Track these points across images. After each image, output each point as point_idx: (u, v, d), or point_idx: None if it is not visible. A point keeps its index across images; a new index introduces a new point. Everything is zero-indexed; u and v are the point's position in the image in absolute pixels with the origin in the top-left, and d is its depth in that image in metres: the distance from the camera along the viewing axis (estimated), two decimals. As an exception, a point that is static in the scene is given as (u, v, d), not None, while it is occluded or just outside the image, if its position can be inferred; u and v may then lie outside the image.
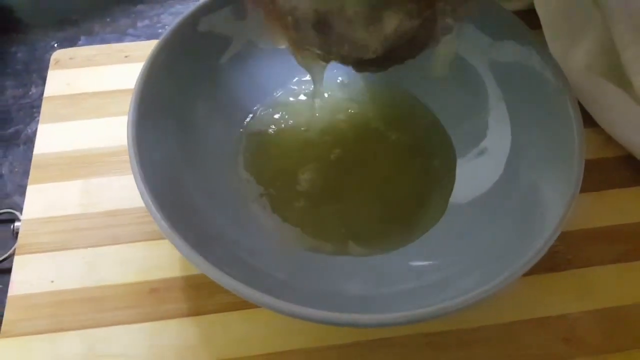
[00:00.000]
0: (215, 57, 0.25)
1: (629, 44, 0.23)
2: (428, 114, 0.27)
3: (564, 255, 0.25)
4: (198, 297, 0.23)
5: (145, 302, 0.23)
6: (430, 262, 0.22)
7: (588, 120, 0.28)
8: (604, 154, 0.28)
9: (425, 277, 0.20)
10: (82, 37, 0.35)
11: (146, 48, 0.32)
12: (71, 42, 0.35)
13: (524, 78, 0.24)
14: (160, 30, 0.35)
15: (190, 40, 0.24)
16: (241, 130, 0.26)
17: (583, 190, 0.22)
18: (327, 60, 0.21)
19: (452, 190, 0.24)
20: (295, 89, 0.28)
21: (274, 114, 0.27)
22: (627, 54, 0.24)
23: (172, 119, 0.24)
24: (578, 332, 0.23)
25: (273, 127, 0.26)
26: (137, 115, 0.21)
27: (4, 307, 0.23)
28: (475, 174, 0.24)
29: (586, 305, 0.23)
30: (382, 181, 0.25)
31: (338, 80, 0.28)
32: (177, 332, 0.22)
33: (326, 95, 0.27)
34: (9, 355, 0.21)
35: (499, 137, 0.25)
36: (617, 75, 0.26)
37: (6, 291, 0.24)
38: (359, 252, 0.22)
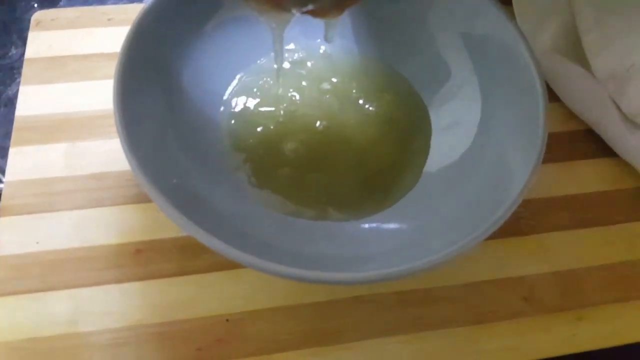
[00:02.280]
0: (202, 22, 0.26)
1: (591, 29, 0.25)
2: (408, 87, 0.28)
3: (527, 221, 0.27)
4: (182, 259, 0.24)
5: (131, 262, 0.24)
6: (403, 226, 0.23)
7: (553, 96, 0.30)
8: (568, 128, 0.30)
9: (397, 239, 0.22)
10: (63, -1, 0.34)
11: (130, 12, 0.32)
12: (52, 3, 0.34)
13: (497, 52, 0.25)
14: (142, -5, 0.35)
15: (178, 3, 0.24)
16: (224, 97, 0.27)
17: (548, 161, 0.23)
18: (287, 8, 0.21)
19: (426, 159, 0.26)
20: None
21: (258, 81, 0.27)
22: (587, 38, 0.26)
23: (157, 85, 0.24)
24: (536, 292, 0.25)
25: (257, 94, 0.27)
26: (122, 79, 0.22)
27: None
28: (447, 144, 0.25)
29: (544, 268, 0.25)
30: (362, 151, 0.26)
31: (321, 51, 0.29)
32: (162, 291, 0.23)
33: (288, 65, 0.27)
34: (0, 313, 0.22)
35: (470, 110, 0.26)
36: (579, 56, 0.27)
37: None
38: (338, 217, 0.24)
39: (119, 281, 0.23)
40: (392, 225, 0.23)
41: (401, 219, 0.23)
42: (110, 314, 0.23)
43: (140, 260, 0.24)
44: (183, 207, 0.19)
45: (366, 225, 0.24)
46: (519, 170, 0.22)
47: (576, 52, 0.27)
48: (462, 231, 0.20)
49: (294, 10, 0.20)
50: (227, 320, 0.23)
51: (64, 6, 0.34)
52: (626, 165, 0.28)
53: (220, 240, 0.18)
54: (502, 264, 0.25)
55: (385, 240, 0.22)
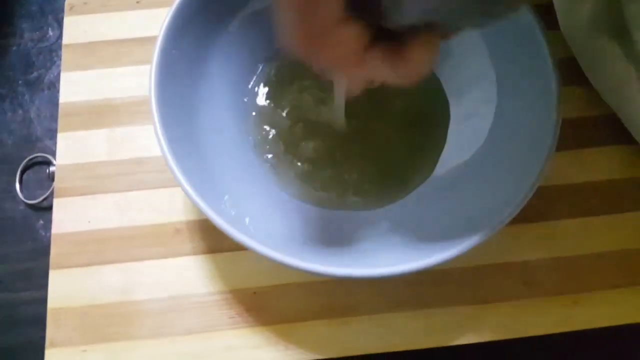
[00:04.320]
0: (229, 15, 0.27)
1: None
2: (431, 78, 0.28)
3: (537, 208, 0.28)
4: (215, 238, 0.27)
5: (171, 241, 0.27)
6: (418, 217, 0.25)
7: (577, 77, 0.30)
8: (588, 112, 0.30)
9: (413, 232, 0.24)
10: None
11: (156, -7, 0.33)
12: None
13: (512, 37, 0.25)
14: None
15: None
16: (249, 86, 0.28)
17: (563, 148, 0.24)
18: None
19: (442, 149, 0.27)
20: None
21: (285, 71, 0.28)
22: (631, 9, 0.25)
23: (190, 76, 0.26)
24: (537, 276, 0.27)
25: (282, 84, 0.28)
26: (158, 76, 0.23)
27: (47, 241, 0.28)
28: (464, 135, 0.27)
29: (547, 253, 0.27)
30: (382, 142, 0.27)
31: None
32: (199, 266, 0.27)
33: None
34: (62, 284, 0.26)
35: (486, 100, 0.27)
36: (615, 34, 0.27)
37: (49, 227, 0.28)
38: (356, 206, 0.26)
39: (162, 257, 0.27)
40: (408, 216, 0.25)
41: (417, 209, 0.25)
42: (157, 285, 0.26)
43: (179, 239, 0.27)
44: (212, 202, 0.21)
45: (386, 214, 0.26)
46: (533, 165, 0.23)
47: (614, 29, 0.26)
48: (477, 222, 0.22)
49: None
50: (255, 293, 0.26)
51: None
52: (639, 153, 0.29)
53: (247, 236, 0.20)
54: (507, 249, 0.27)
55: (404, 233, 0.24)
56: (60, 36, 0.33)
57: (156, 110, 0.23)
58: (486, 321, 0.26)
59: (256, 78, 0.28)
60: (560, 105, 0.24)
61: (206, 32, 0.26)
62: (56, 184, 0.28)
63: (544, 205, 0.28)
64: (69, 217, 0.27)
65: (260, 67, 0.29)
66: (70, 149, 0.29)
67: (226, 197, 0.23)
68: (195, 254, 0.27)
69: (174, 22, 0.24)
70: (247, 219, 0.23)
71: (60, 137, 0.29)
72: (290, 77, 0.28)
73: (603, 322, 0.26)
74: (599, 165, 0.29)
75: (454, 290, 0.26)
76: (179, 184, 0.22)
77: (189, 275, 0.26)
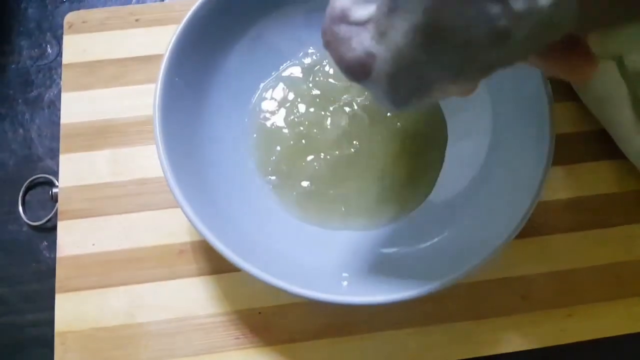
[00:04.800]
0: (232, 37, 0.27)
1: None
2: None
3: (531, 223, 0.28)
4: (219, 258, 0.27)
5: (176, 262, 0.27)
6: (417, 238, 0.26)
7: (569, 93, 0.31)
8: (580, 128, 0.31)
9: (416, 253, 0.24)
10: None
11: (154, 12, 0.33)
12: (79, -3, 0.35)
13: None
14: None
15: (218, 16, 0.26)
16: (250, 106, 0.29)
17: (555, 163, 0.25)
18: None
19: (440, 169, 0.28)
20: (303, 62, 0.29)
21: (282, 91, 0.29)
22: (622, 33, 0.25)
23: (192, 98, 0.26)
24: (533, 290, 0.28)
25: (283, 104, 0.29)
26: (161, 103, 0.24)
27: (52, 262, 0.28)
28: (461, 154, 0.27)
29: (543, 268, 0.28)
30: (384, 164, 0.27)
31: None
32: (204, 287, 0.27)
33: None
34: (68, 307, 0.26)
35: (481, 119, 0.27)
36: (605, 50, 0.27)
37: (52, 248, 0.28)
38: (358, 226, 0.26)
39: (167, 279, 0.27)
40: (408, 237, 0.26)
41: (416, 230, 0.26)
42: (162, 307, 0.27)
43: (184, 260, 0.27)
44: (216, 231, 0.22)
45: (385, 235, 0.26)
46: (528, 189, 0.24)
47: (606, 52, 0.27)
48: (476, 243, 0.22)
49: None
50: (260, 313, 0.27)
51: (91, 0, 0.35)
52: (632, 168, 0.30)
53: (254, 267, 0.21)
54: (504, 264, 0.28)
55: (404, 254, 0.25)
56: (59, 53, 0.33)
57: (160, 139, 0.23)
58: (485, 336, 0.26)
59: (256, 99, 0.29)
60: (553, 128, 0.24)
61: (208, 56, 0.27)
62: (60, 207, 0.28)
63: (538, 220, 0.29)
64: (73, 240, 0.28)
65: (261, 87, 0.29)
66: (73, 171, 0.29)
67: (229, 224, 0.24)
68: (200, 275, 0.27)
69: (176, 48, 0.24)
70: (249, 243, 0.24)
71: (63, 158, 0.29)
72: (290, 97, 0.29)
73: (596, 334, 0.27)
74: (591, 180, 0.30)
75: (454, 306, 0.27)
76: (185, 215, 0.22)
77: (194, 297, 0.27)
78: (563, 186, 0.30)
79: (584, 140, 0.31)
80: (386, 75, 0.15)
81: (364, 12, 0.15)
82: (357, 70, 0.16)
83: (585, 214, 0.29)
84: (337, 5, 0.16)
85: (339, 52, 0.16)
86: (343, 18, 0.16)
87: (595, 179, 0.30)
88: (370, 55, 0.15)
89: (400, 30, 0.14)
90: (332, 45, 0.16)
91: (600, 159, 0.30)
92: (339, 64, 0.16)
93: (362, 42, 0.15)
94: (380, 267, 0.24)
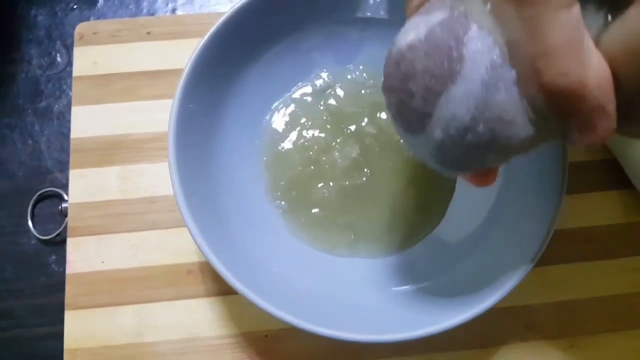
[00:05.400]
0: (246, 61, 0.27)
1: None
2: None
3: (537, 252, 0.29)
4: (225, 280, 0.28)
5: (184, 282, 0.28)
6: (430, 269, 0.26)
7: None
8: (589, 157, 0.31)
9: (425, 288, 0.25)
10: (100, -1, 0.35)
11: (166, 24, 0.33)
12: (90, 4, 0.34)
13: None
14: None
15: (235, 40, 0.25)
16: (261, 129, 0.29)
17: (566, 192, 0.25)
18: None
19: (450, 201, 0.28)
20: (315, 84, 0.29)
21: (297, 112, 0.29)
22: None
23: (205, 120, 0.26)
24: (537, 320, 0.28)
25: (294, 127, 0.28)
26: (176, 128, 0.24)
27: (61, 276, 0.28)
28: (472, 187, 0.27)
29: (548, 298, 0.28)
30: (393, 193, 0.27)
31: (363, 92, 0.29)
32: (211, 308, 0.27)
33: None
34: (78, 324, 0.27)
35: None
36: None
37: (61, 262, 0.29)
38: (368, 253, 0.26)
39: (175, 299, 0.27)
40: (416, 268, 0.26)
41: (425, 261, 0.26)
42: (170, 327, 0.27)
43: (191, 280, 0.28)
44: (226, 262, 0.22)
45: (396, 263, 0.26)
46: (540, 225, 0.24)
47: None
48: (482, 286, 0.22)
49: None
50: (266, 335, 0.27)
51: (101, 8, 0.34)
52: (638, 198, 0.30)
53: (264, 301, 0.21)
54: (510, 293, 0.28)
55: (413, 286, 0.25)
56: (69, 63, 0.33)
57: (174, 161, 0.23)
58: (487, 365, 0.27)
59: (268, 120, 0.29)
60: (567, 162, 0.24)
61: (223, 80, 0.26)
62: (69, 223, 0.28)
63: (546, 250, 0.29)
64: (82, 257, 0.28)
65: (273, 108, 0.29)
66: (83, 187, 0.29)
67: (236, 247, 0.24)
68: (207, 295, 0.27)
69: (191, 74, 0.24)
70: (256, 268, 0.24)
71: (72, 174, 0.29)
72: (301, 120, 0.28)
73: (599, 367, 0.27)
74: (599, 209, 0.30)
75: (459, 334, 0.27)
76: (191, 236, 0.22)
77: (202, 318, 0.27)
78: (570, 215, 0.30)
79: (594, 170, 0.31)
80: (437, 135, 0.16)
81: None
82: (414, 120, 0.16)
83: (591, 245, 0.29)
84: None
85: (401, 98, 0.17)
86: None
87: (604, 209, 0.30)
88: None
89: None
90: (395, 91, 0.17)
91: (609, 189, 0.30)
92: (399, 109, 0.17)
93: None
94: (388, 300, 0.24)
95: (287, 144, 0.28)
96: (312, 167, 0.27)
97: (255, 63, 0.28)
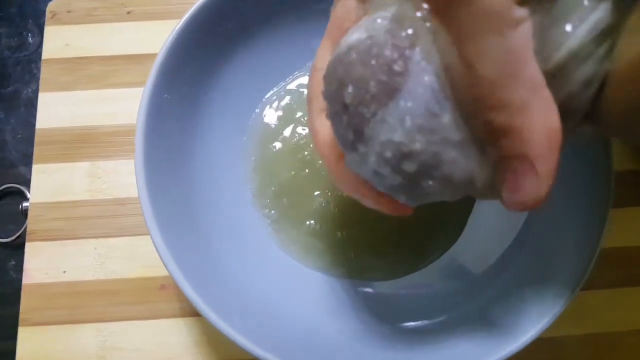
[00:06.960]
0: (227, 53, 0.23)
1: None
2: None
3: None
4: (206, 296, 0.24)
5: (156, 298, 0.24)
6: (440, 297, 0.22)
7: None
8: (630, 166, 0.27)
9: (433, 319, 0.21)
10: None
11: (150, 4, 0.29)
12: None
13: None
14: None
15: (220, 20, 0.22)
16: (249, 124, 0.25)
17: None
18: None
19: (470, 211, 0.24)
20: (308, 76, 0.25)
21: (291, 106, 0.25)
22: None
23: (183, 110, 0.22)
24: (565, 354, 0.24)
25: (287, 123, 0.25)
26: (145, 123, 0.20)
27: (19, 283, 0.25)
28: (491, 208, 0.23)
29: (578, 329, 0.24)
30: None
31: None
32: (186, 330, 0.24)
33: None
34: (30, 344, 0.23)
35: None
36: None
37: (21, 269, 0.25)
38: (369, 275, 0.23)
39: (145, 318, 0.24)
40: (425, 294, 0.22)
41: (433, 294, 0.22)
42: (138, 351, 0.23)
43: (165, 297, 0.24)
44: (202, 292, 0.18)
45: (402, 287, 0.23)
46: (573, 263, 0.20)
47: None
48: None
49: None
50: (249, 363, 0.23)
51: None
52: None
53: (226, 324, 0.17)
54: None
55: (420, 316, 0.21)
56: (40, 44, 0.29)
57: (141, 153, 0.20)
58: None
59: (258, 113, 0.25)
60: (612, 171, 0.20)
61: (206, 65, 0.23)
62: (29, 226, 0.25)
63: (575, 272, 0.25)
64: (41, 265, 0.24)
65: (264, 100, 0.25)
66: (46, 184, 0.25)
67: (212, 262, 0.20)
68: (183, 315, 0.24)
69: (167, 57, 0.21)
70: (234, 289, 0.20)
71: (35, 169, 0.26)
72: (296, 114, 0.25)
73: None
74: (636, 227, 0.26)
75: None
76: (159, 255, 0.19)
77: (175, 341, 0.23)
78: (608, 232, 0.26)
79: (634, 180, 0.27)
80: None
81: None
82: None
83: (629, 268, 0.25)
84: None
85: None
86: None
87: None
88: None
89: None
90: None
91: (648, 203, 0.26)
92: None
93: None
94: (396, 339, 0.20)
95: (279, 143, 0.24)
96: (306, 170, 0.24)
97: (245, 48, 0.24)
